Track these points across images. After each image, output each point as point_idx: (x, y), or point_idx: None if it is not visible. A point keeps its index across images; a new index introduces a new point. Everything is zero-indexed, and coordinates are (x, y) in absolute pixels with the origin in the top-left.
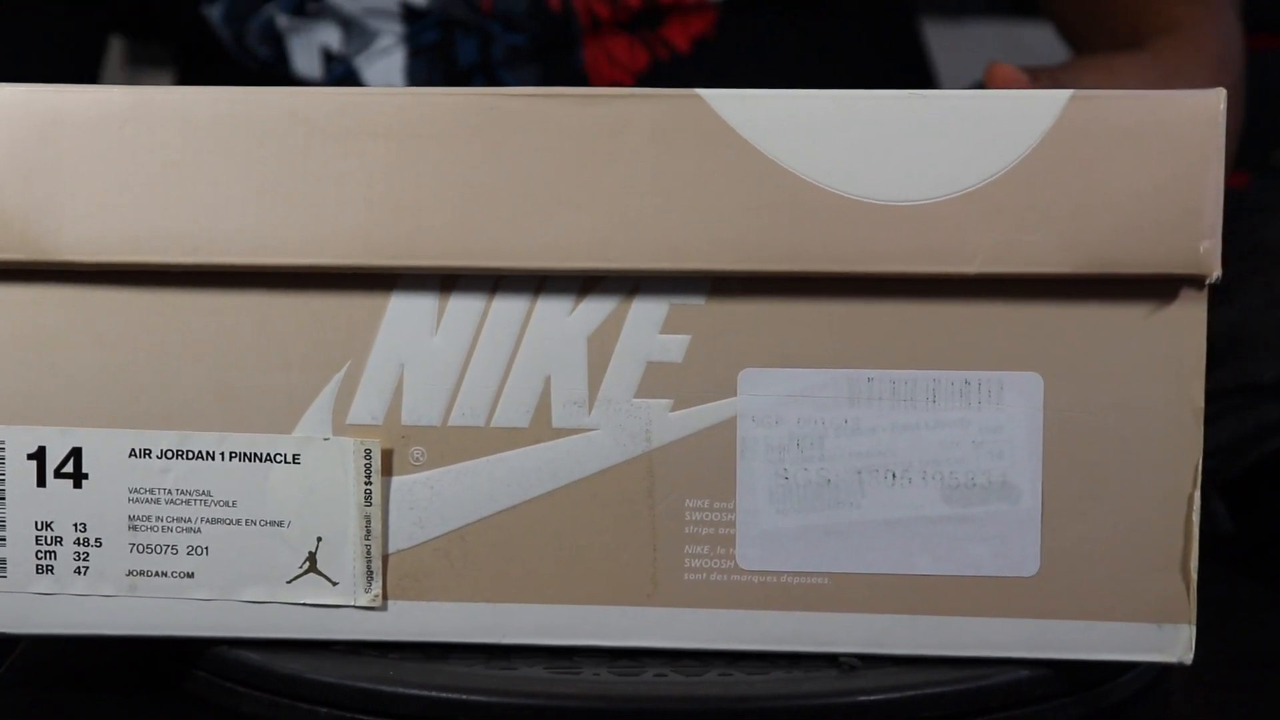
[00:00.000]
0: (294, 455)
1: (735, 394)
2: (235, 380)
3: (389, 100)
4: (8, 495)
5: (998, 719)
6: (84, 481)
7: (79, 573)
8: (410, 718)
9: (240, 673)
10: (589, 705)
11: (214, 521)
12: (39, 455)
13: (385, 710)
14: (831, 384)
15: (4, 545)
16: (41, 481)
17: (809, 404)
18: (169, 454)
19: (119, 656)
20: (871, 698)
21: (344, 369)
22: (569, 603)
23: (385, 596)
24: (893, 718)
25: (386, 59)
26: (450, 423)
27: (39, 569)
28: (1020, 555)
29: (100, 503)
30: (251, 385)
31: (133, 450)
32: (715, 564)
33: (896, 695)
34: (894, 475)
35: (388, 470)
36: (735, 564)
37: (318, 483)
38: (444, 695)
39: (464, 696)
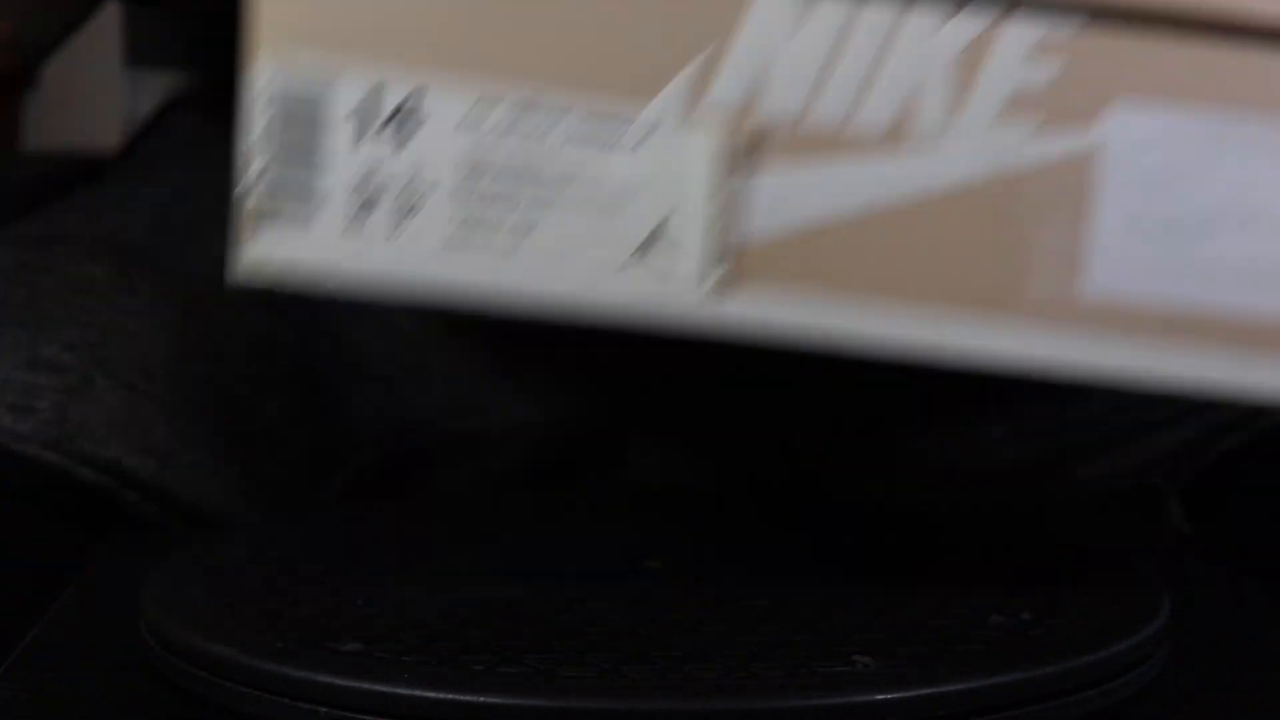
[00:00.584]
0: (642, 138)
1: (1099, 126)
2: (594, 45)
3: None
4: (329, 140)
5: (998, 719)
6: (415, 131)
7: (394, 229)
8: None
9: (240, 673)
10: (597, 707)
11: (545, 202)
12: (371, 97)
13: (386, 711)
14: (1199, 125)
15: (319, 195)
16: (368, 127)
17: (1174, 143)
18: (511, 113)
19: (118, 657)
20: (873, 698)
21: (704, 54)
22: (913, 301)
23: (725, 286)
24: (894, 717)
25: None
26: (805, 125)
27: (354, 220)
28: None
29: (428, 157)
30: (610, 54)
31: (474, 102)
32: (1061, 289)
33: (899, 695)
34: (1253, 220)
35: (739, 162)
36: (1083, 290)
37: (663, 168)
38: (448, 697)
39: (469, 698)
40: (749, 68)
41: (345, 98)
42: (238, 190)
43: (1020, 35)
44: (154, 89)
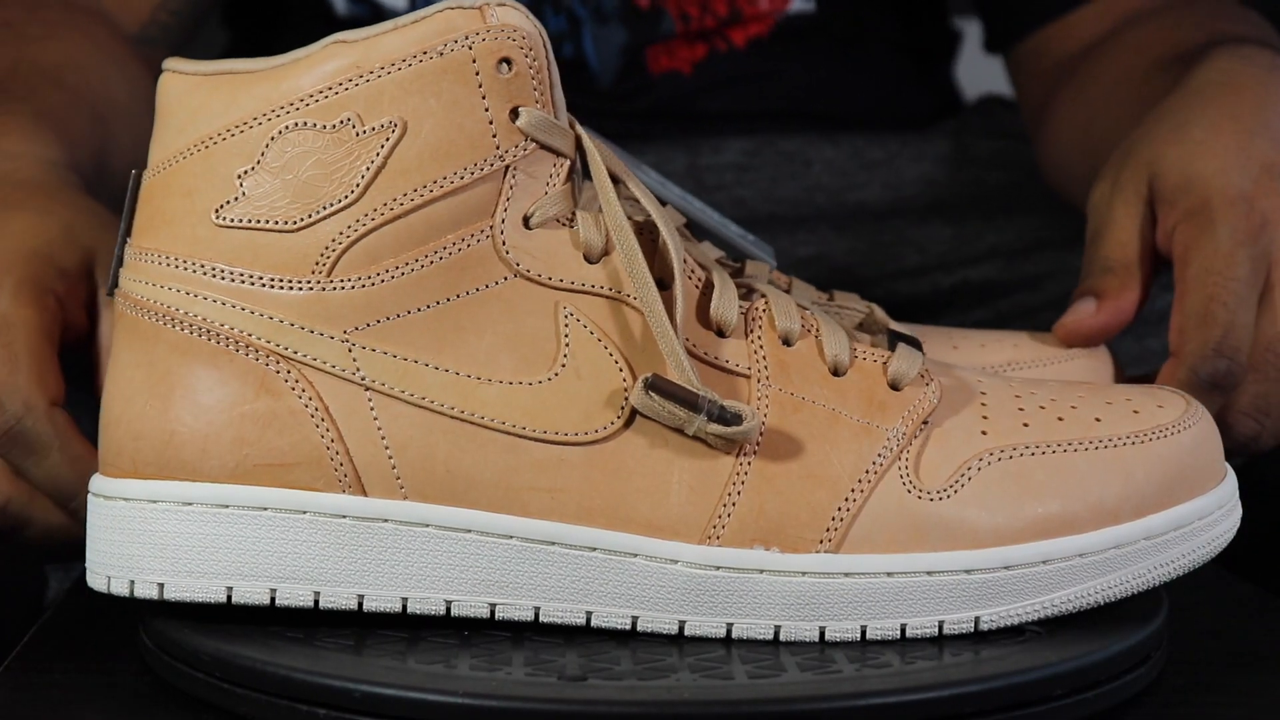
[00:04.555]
0: None
1: None
2: None
3: None
4: None
5: (998, 719)
6: None
7: None
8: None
9: (239, 674)
10: (605, 711)
11: None
12: None
13: (386, 711)
14: None
15: None
16: None
17: None
18: None
19: (118, 657)
20: (870, 701)
21: None
22: None
23: None
24: (896, 717)
25: None
26: None
27: None
28: None
29: None
30: None
31: None
32: None
33: (900, 697)
34: None
35: None
36: None
37: None
38: (445, 699)
39: (466, 700)
40: None
41: None
42: None
43: None
44: None
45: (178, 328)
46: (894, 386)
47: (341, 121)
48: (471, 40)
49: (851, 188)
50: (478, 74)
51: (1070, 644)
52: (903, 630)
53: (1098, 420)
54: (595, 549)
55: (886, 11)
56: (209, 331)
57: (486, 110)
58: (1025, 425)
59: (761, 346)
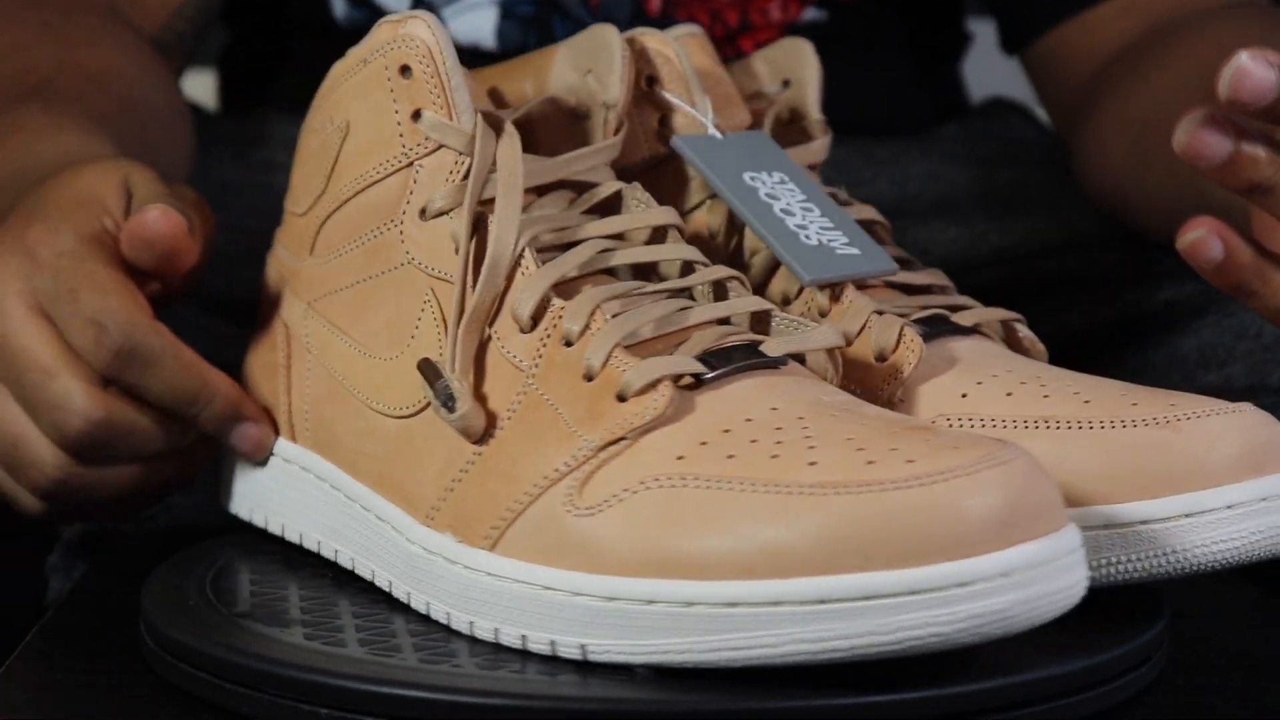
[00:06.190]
0: None
1: None
2: None
3: None
4: None
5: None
6: None
7: None
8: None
9: (239, 674)
10: (600, 710)
11: None
12: None
13: (385, 711)
14: None
15: None
16: None
17: None
18: None
19: (118, 658)
20: (868, 700)
21: None
22: None
23: None
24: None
25: (476, 13)
26: None
27: None
28: None
29: None
30: None
31: None
32: None
33: (900, 696)
34: None
35: None
36: None
37: None
38: (444, 698)
39: (465, 699)
40: None
41: None
42: None
43: None
44: None
45: (259, 295)
46: (620, 397)
47: (324, 124)
48: (385, 50)
49: (857, 184)
50: (389, 80)
51: (1071, 645)
52: (523, 640)
53: (811, 465)
54: (369, 511)
55: (900, 17)
56: (264, 299)
57: (396, 113)
58: (729, 457)
59: (546, 345)
